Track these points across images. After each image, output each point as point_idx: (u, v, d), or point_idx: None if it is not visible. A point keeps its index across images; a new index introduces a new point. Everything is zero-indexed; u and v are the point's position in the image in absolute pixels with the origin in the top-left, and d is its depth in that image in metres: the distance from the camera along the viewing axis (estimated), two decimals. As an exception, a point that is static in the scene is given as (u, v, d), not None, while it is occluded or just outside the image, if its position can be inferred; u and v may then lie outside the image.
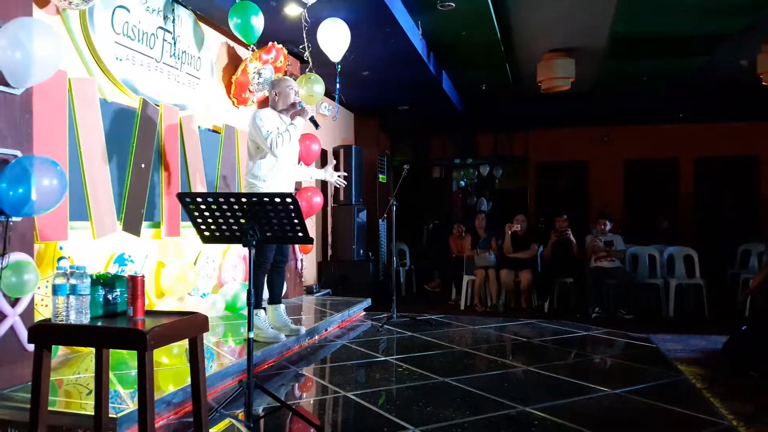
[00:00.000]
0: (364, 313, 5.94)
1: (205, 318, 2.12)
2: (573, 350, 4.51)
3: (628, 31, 5.91)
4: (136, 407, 2.28)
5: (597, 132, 10.05)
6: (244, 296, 4.83)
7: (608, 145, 10.05)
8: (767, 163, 9.45)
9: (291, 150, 3.94)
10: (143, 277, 2.06)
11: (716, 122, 9.35)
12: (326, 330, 4.91)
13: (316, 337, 4.65)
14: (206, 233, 2.64)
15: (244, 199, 2.46)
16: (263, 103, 5.80)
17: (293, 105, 3.93)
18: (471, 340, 4.80)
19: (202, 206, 2.52)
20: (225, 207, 2.49)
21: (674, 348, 4.62)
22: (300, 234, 2.59)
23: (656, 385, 3.45)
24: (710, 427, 2.74)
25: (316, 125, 3.92)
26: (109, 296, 2.10)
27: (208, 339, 3.93)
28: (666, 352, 4.39)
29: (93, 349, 3.02)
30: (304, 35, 4.72)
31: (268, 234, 2.61)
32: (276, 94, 3.96)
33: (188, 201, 2.52)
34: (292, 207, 2.46)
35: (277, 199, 2.44)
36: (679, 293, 6.61)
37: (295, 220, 2.52)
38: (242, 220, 2.54)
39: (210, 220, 2.57)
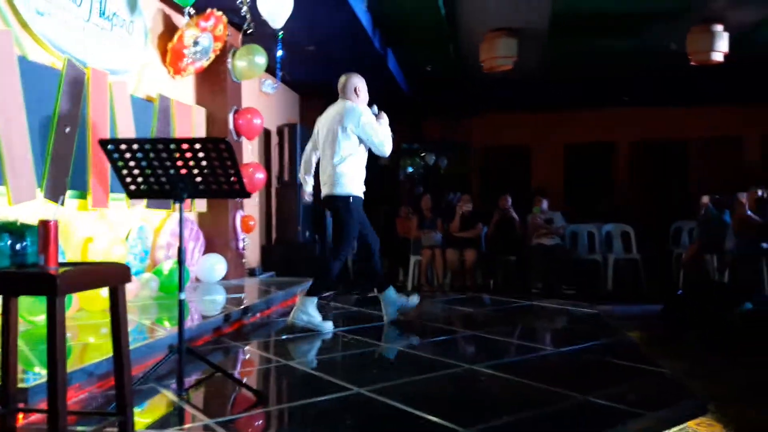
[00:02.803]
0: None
1: (127, 268, 1.93)
2: (519, 319, 4.53)
3: (567, 9, 5.97)
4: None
5: (539, 117, 10.20)
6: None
7: (549, 129, 10.23)
8: (695, 146, 9.86)
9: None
10: (56, 222, 1.86)
11: (650, 107, 9.65)
12: (269, 308, 4.73)
13: (258, 314, 4.46)
14: (132, 187, 2.44)
15: (173, 146, 2.28)
16: (213, 75, 5.45)
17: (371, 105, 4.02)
18: (418, 313, 4.73)
19: (127, 155, 2.32)
20: (152, 155, 2.30)
21: (615, 315, 4.71)
22: (236, 186, 2.42)
23: (600, 344, 3.48)
24: (655, 376, 2.79)
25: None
26: (17, 246, 1.89)
27: (142, 321, 3.69)
28: (608, 319, 4.46)
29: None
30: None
31: (201, 187, 2.44)
32: (357, 91, 3.93)
33: (111, 149, 2.31)
34: (226, 154, 2.29)
35: (210, 145, 2.27)
36: (617, 268, 6.80)
37: (231, 170, 2.35)
38: (171, 171, 2.35)
39: (136, 171, 2.37)
